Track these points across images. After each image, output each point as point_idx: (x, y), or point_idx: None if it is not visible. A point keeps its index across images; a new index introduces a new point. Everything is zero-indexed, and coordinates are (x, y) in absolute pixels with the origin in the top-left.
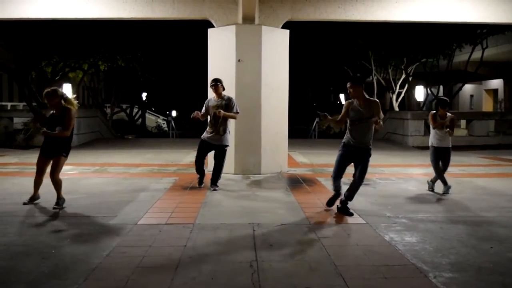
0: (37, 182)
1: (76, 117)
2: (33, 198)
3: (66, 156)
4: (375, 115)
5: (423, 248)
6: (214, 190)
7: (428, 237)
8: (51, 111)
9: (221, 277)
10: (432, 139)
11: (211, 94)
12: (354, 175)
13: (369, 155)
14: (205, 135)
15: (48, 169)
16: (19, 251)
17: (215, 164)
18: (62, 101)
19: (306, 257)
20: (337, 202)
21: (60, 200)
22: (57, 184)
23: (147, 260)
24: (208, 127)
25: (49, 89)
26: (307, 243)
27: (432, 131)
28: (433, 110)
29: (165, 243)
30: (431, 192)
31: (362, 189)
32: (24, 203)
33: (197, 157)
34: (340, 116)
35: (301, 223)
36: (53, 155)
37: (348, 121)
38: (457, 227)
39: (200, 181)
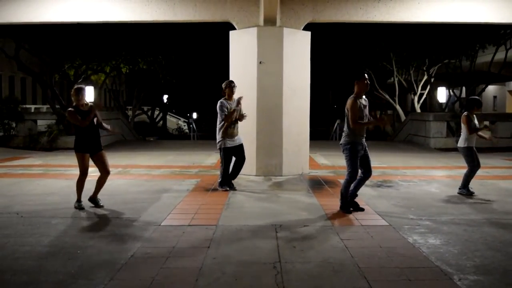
0: (83, 184)
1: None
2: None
3: None
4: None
5: (447, 251)
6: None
7: (453, 239)
8: (75, 106)
9: (245, 278)
10: (468, 140)
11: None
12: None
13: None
14: (229, 142)
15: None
16: (46, 252)
17: (238, 163)
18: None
19: (329, 259)
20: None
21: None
22: (106, 181)
23: (171, 261)
24: (228, 132)
25: (78, 86)
26: (330, 244)
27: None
28: (464, 112)
29: (188, 244)
30: (467, 196)
31: (384, 190)
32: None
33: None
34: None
35: (323, 224)
36: (97, 150)
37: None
38: (482, 229)
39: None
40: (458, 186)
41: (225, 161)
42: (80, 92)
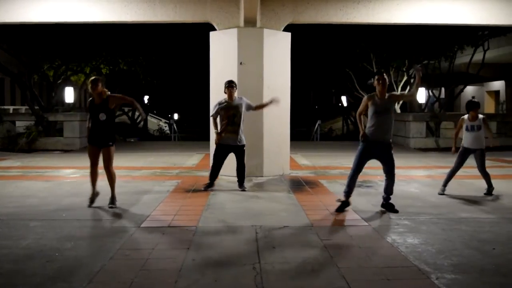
0: (93, 176)
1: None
2: (94, 196)
3: (113, 145)
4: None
5: (425, 250)
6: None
7: (431, 238)
8: (90, 99)
9: (225, 279)
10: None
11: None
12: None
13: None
14: (223, 139)
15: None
16: (24, 254)
17: (238, 165)
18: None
19: (308, 259)
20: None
21: (114, 199)
22: (111, 177)
23: (150, 263)
24: (223, 130)
25: (93, 77)
26: (310, 245)
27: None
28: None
29: (168, 246)
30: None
31: (364, 191)
32: (89, 206)
33: (217, 164)
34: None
35: (303, 225)
36: (102, 145)
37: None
38: (460, 228)
39: (212, 184)
40: (437, 185)
41: (213, 157)
42: (91, 84)
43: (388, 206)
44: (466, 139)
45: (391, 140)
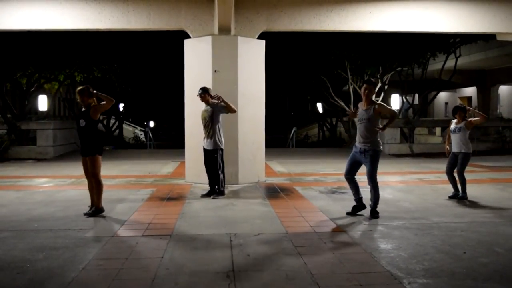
0: (89, 187)
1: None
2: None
3: (100, 154)
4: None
5: (398, 255)
6: (214, 198)
7: (403, 244)
8: (82, 108)
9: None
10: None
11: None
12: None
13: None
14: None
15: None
16: None
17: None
18: (92, 99)
19: (282, 266)
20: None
21: (92, 208)
22: (92, 185)
23: (123, 273)
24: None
25: (79, 88)
26: (284, 252)
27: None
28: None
29: (142, 255)
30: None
31: (338, 197)
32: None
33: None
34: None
35: (278, 232)
36: (85, 154)
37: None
38: (432, 233)
39: (210, 192)
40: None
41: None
42: (77, 94)
43: (372, 213)
44: (452, 141)
45: (373, 148)
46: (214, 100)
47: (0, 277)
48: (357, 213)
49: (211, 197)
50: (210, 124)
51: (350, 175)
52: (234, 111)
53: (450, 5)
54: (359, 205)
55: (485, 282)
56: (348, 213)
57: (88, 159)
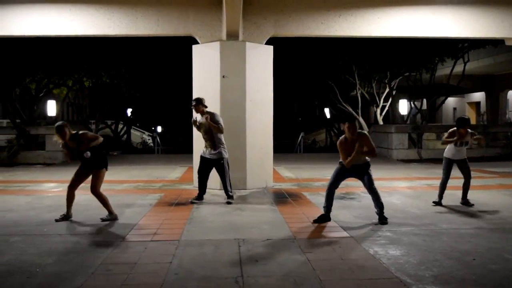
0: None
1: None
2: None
3: (106, 169)
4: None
5: (407, 261)
6: (228, 203)
7: (412, 250)
8: (64, 143)
9: None
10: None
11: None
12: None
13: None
14: (203, 151)
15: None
16: (4, 270)
17: (220, 178)
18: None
19: (291, 272)
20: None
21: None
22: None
23: (132, 278)
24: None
25: (57, 125)
26: (292, 258)
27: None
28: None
29: (150, 260)
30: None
31: (347, 202)
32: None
33: (200, 176)
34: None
35: (286, 238)
36: (92, 168)
37: None
38: (441, 239)
39: (199, 197)
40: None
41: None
42: (57, 133)
43: (380, 219)
44: (449, 150)
45: (367, 161)
46: (208, 110)
47: (10, 282)
48: (322, 223)
49: (226, 202)
50: (208, 135)
51: (335, 188)
52: (220, 133)
53: (458, 10)
54: (327, 216)
55: None
56: (314, 221)
57: (92, 172)
